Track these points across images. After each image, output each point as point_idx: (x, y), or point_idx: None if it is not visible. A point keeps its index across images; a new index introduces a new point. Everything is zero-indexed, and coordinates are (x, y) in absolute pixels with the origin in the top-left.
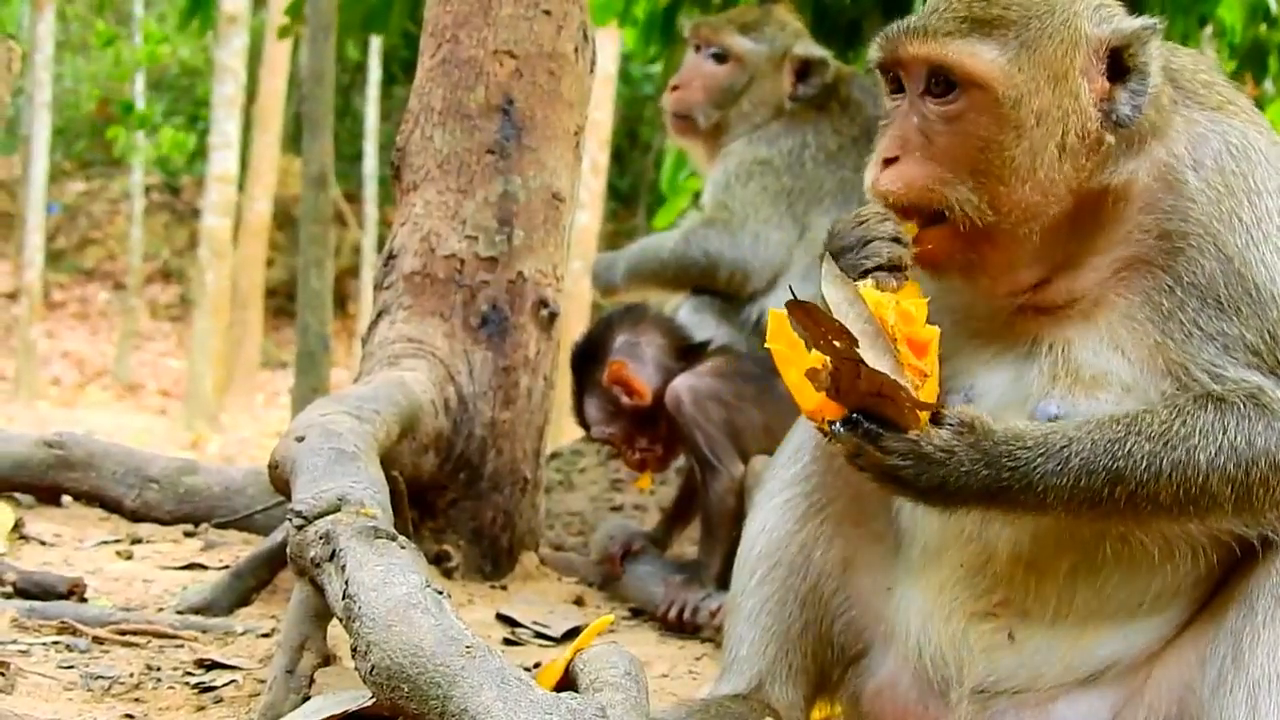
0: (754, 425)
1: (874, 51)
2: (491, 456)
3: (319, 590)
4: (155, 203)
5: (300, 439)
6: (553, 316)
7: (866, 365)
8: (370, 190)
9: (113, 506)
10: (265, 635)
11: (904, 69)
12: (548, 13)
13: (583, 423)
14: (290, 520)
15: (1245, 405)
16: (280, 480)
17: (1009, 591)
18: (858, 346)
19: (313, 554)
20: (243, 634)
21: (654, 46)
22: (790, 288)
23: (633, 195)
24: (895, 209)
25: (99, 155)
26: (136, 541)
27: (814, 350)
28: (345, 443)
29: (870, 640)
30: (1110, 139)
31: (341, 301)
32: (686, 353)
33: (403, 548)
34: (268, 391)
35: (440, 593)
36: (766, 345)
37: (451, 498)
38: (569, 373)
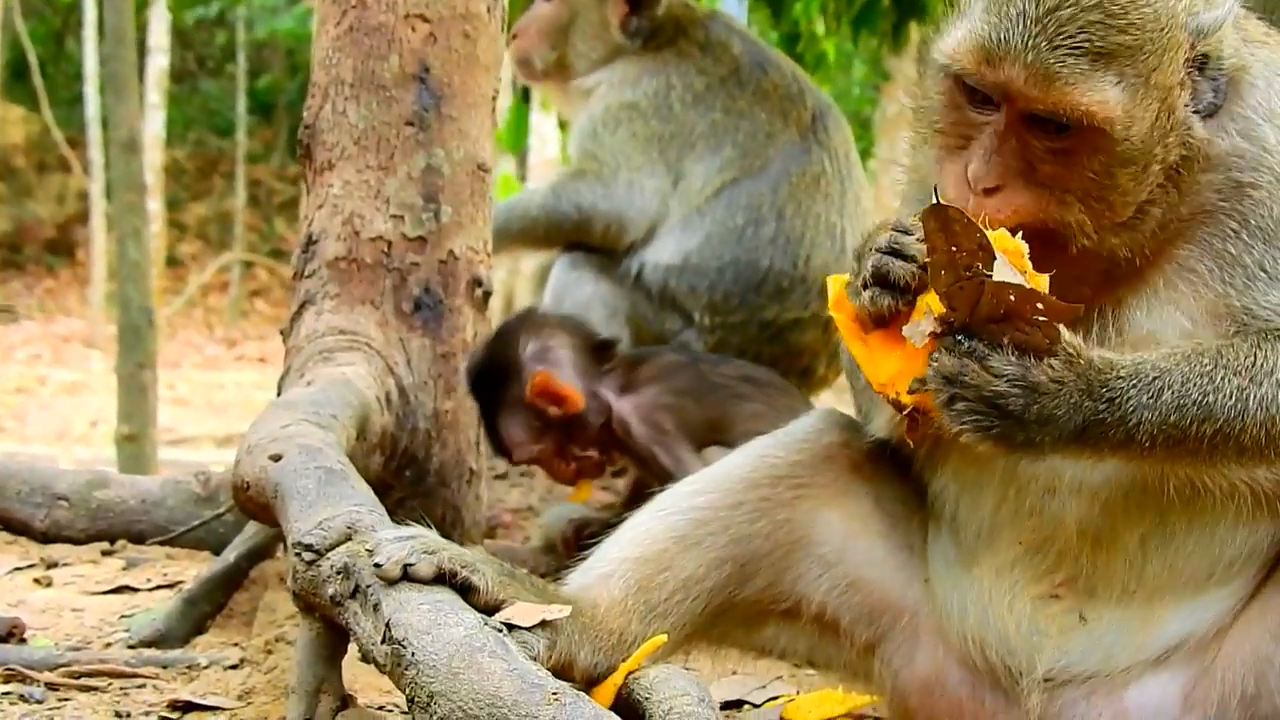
0: (698, 418)
1: (962, 64)
2: (436, 450)
3: (333, 628)
4: None
5: (276, 458)
6: (487, 295)
7: (994, 282)
8: (94, 134)
9: (20, 529)
10: (233, 667)
11: (1010, 102)
12: None
13: (501, 449)
14: (298, 555)
15: None
16: (255, 504)
17: (1073, 569)
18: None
19: (331, 591)
20: (208, 667)
21: None
22: (935, 190)
23: None
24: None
25: None
26: (52, 565)
27: (935, 258)
28: (329, 459)
29: (885, 632)
30: (1199, 126)
31: (70, 250)
32: (599, 349)
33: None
34: (2, 345)
35: (500, 630)
36: (829, 311)
37: (399, 496)
38: (472, 398)
